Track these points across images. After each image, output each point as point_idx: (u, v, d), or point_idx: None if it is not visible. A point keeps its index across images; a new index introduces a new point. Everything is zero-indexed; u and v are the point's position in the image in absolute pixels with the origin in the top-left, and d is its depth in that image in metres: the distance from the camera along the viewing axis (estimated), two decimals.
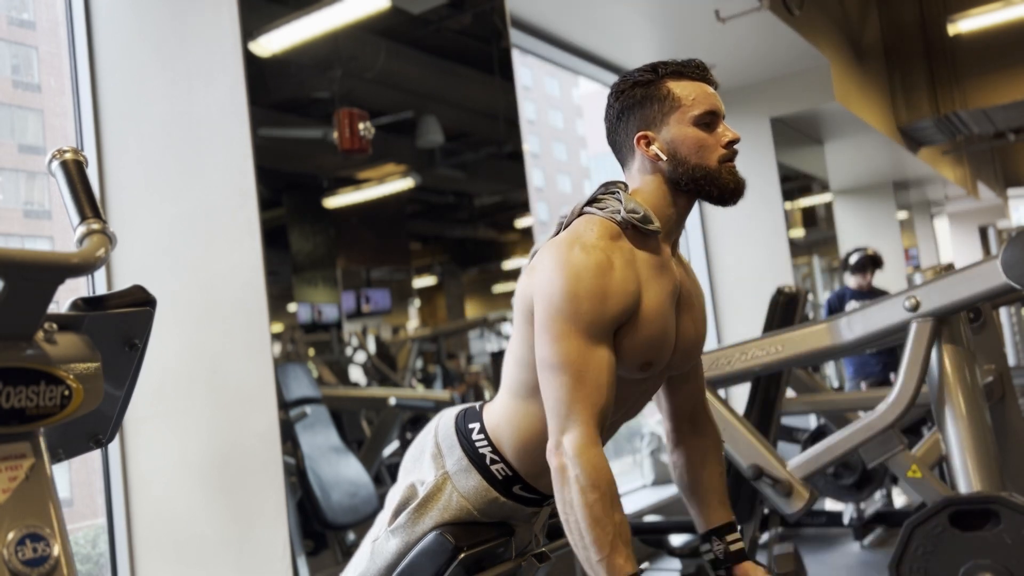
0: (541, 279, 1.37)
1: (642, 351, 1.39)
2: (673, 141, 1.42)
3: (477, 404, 1.54)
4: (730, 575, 1.55)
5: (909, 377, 2.50)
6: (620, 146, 1.50)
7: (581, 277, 1.33)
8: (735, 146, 1.45)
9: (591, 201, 1.47)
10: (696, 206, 1.52)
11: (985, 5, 6.55)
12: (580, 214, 1.46)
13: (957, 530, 2.24)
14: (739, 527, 1.58)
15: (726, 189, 1.43)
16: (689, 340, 1.49)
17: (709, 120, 1.43)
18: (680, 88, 1.44)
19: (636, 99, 1.45)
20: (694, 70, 1.46)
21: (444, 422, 1.53)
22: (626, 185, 1.49)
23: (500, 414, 1.47)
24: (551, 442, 1.33)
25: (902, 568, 2.29)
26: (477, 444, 1.47)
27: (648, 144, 1.44)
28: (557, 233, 1.46)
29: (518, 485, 1.47)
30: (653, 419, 8.01)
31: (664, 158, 1.42)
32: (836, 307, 5.48)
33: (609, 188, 1.48)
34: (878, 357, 5.34)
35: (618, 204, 1.43)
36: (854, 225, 8.57)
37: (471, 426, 1.48)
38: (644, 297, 1.38)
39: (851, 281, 5.60)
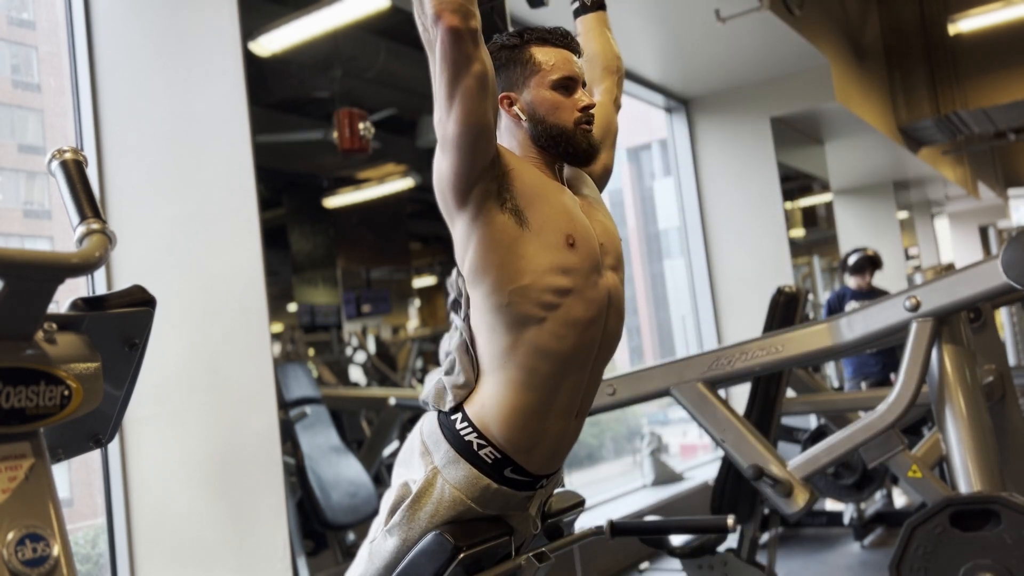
0: None
1: (555, 220, 1.46)
2: (532, 103, 1.53)
3: None
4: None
5: (909, 377, 2.50)
6: None
7: None
8: (590, 111, 1.55)
9: None
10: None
11: (985, 5, 6.55)
12: None
13: (957, 530, 2.24)
14: None
15: (579, 148, 1.54)
16: (604, 227, 1.57)
17: (567, 84, 1.53)
18: (542, 54, 1.54)
19: (502, 62, 1.55)
20: (558, 37, 1.57)
21: (428, 420, 1.55)
22: None
23: (482, 395, 1.49)
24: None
25: (902, 568, 2.29)
26: (462, 433, 1.48)
27: (510, 104, 1.55)
28: None
29: (509, 467, 1.47)
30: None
31: (523, 118, 1.54)
32: (836, 307, 5.48)
33: None
34: (877, 357, 5.34)
35: None
36: (854, 225, 8.56)
37: (453, 417, 1.50)
38: (529, 173, 1.49)
39: (851, 282, 5.62)
